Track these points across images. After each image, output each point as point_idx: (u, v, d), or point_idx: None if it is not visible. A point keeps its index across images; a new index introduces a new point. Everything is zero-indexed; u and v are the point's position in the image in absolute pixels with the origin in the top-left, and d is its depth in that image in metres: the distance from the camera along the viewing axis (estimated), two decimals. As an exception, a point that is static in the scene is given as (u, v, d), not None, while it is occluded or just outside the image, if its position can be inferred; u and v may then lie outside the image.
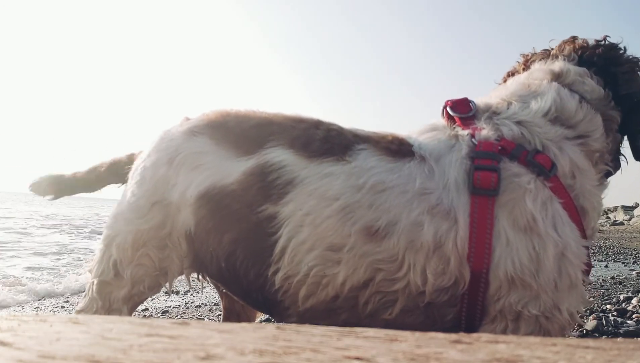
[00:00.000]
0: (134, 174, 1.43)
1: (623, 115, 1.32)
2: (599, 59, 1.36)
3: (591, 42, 1.40)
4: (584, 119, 1.26)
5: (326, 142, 1.25)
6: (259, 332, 0.53)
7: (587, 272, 1.20)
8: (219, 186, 1.26)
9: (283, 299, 1.23)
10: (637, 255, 8.62)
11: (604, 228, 19.14)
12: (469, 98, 1.32)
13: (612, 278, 5.33)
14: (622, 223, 21.45)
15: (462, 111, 1.28)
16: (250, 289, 1.28)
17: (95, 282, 1.38)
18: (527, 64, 1.48)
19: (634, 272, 6.01)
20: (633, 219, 21.68)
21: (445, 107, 1.32)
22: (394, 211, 1.14)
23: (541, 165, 1.16)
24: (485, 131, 1.22)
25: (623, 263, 7.44)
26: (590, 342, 0.50)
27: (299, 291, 1.19)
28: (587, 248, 1.20)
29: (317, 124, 1.32)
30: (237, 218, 1.24)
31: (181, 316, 3.59)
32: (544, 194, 1.14)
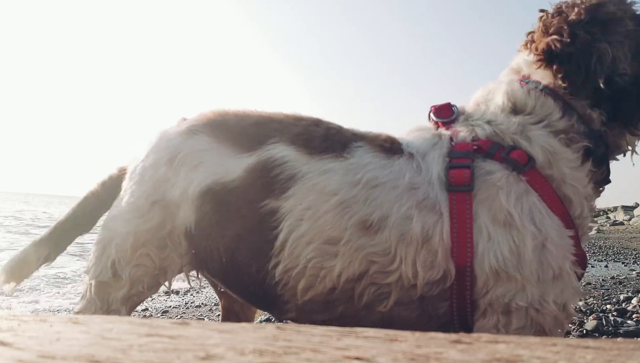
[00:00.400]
0: (132, 176, 1.42)
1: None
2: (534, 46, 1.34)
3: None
4: (536, 105, 1.27)
5: (326, 139, 1.28)
6: (259, 332, 0.53)
7: (578, 262, 1.18)
8: (221, 182, 1.28)
9: (282, 292, 1.24)
10: (637, 255, 8.63)
11: (604, 228, 19.14)
12: (452, 103, 1.37)
13: (612, 278, 5.34)
14: (622, 223, 21.45)
15: (444, 115, 1.34)
16: (251, 284, 1.29)
17: (94, 283, 1.38)
18: None
19: (634, 272, 6.02)
20: (633, 220, 21.69)
21: (430, 113, 1.37)
22: (386, 205, 1.18)
23: (515, 161, 1.18)
24: (462, 133, 1.28)
25: (623, 263, 7.44)
26: (590, 342, 0.50)
27: (298, 283, 1.21)
28: (573, 237, 1.18)
29: (317, 123, 1.35)
30: (240, 214, 1.26)
31: (181, 317, 3.60)
32: (518, 189, 1.16)
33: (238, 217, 1.26)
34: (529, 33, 1.38)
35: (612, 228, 19.78)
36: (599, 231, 17.27)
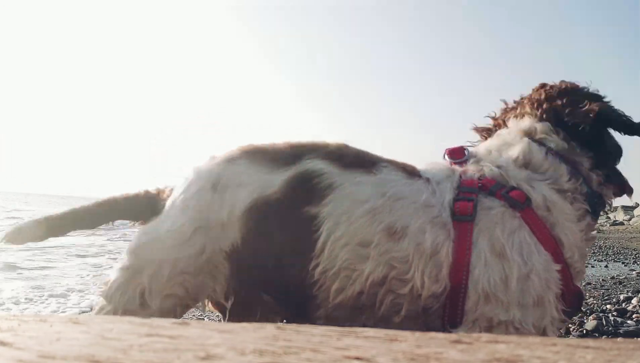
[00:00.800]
0: (172, 206, 1.44)
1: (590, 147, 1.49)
2: (551, 115, 1.54)
3: (549, 93, 1.57)
4: (550, 168, 1.44)
5: (357, 157, 1.46)
6: (259, 332, 0.53)
7: (563, 295, 1.31)
8: (264, 196, 1.38)
9: (317, 293, 1.34)
10: (637, 255, 8.64)
11: (604, 228, 19.15)
12: (464, 146, 1.56)
13: (612, 278, 5.35)
14: (622, 223, 21.46)
15: (457, 156, 1.53)
16: (291, 284, 1.37)
17: (120, 311, 1.37)
18: (497, 121, 1.69)
19: (634, 272, 6.02)
20: (633, 219, 21.70)
21: (444, 154, 1.55)
22: (406, 217, 1.33)
23: (514, 199, 1.35)
24: (470, 171, 1.45)
25: (623, 263, 7.46)
26: (590, 342, 0.50)
27: (333, 284, 1.32)
28: (562, 271, 1.31)
29: (346, 147, 1.50)
30: (283, 222, 1.36)
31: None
32: (512, 224, 1.32)
33: (282, 225, 1.36)
34: (520, 101, 1.61)
35: (612, 228, 19.79)
36: (599, 231, 17.27)
